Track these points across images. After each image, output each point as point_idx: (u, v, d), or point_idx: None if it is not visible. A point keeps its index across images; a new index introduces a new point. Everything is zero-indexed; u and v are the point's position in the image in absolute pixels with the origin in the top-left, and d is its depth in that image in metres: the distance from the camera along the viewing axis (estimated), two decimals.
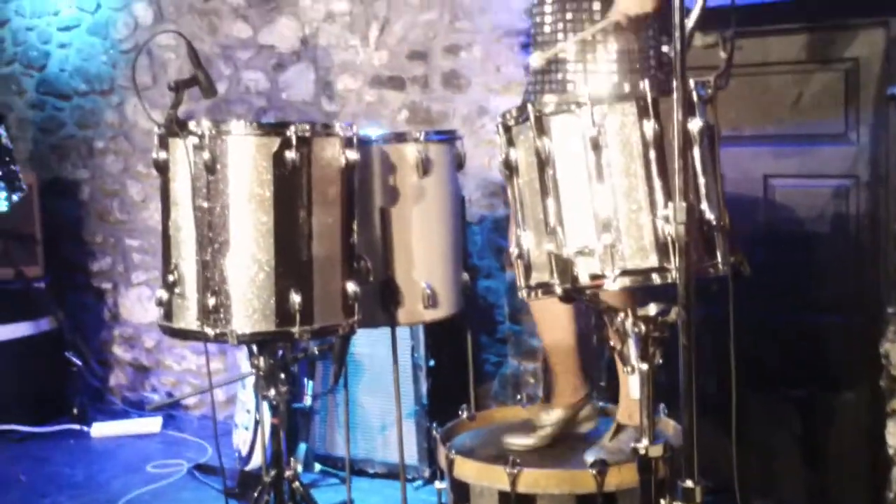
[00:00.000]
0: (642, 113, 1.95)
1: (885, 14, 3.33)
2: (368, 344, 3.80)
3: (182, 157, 2.44)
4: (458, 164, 2.97)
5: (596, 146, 1.96)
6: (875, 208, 3.44)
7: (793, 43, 3.56)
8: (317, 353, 2.83)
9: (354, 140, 2.55)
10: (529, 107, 2.03)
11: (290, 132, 2.42)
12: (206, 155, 2.40)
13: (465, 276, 2.96)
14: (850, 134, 3.49)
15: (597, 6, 2.59)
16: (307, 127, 2.45)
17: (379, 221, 2.80)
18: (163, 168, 2.50)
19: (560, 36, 2.64)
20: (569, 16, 2.62)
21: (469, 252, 4.07)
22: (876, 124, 3.42)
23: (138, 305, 5.29)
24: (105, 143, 5.28)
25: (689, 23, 1.97)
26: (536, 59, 2.63)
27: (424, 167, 2.82)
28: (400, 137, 2.88)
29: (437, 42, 4.21)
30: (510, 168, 2.13)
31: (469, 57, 4.17)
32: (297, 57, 4.62)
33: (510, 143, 2.13)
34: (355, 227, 2.58)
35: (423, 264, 2.83)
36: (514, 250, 2.25)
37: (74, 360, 4.89)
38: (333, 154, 2.50)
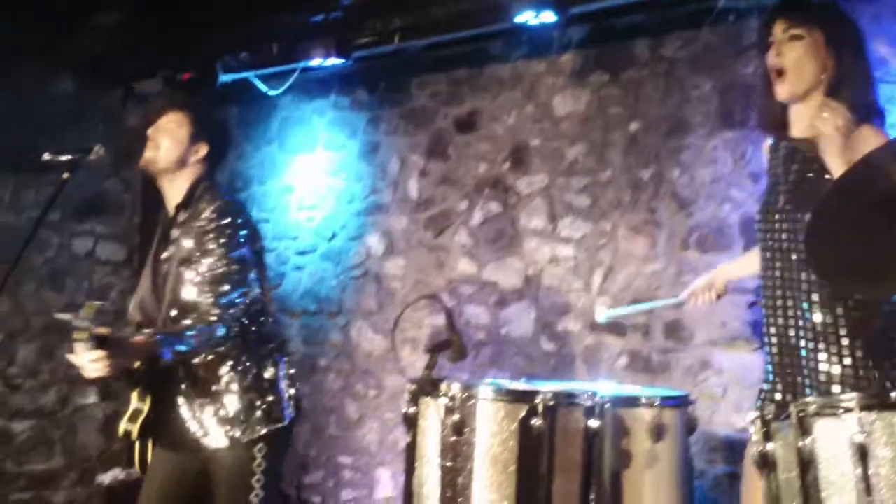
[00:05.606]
0: None
1: None
2: None
3: (433, 415, 2.57)
4: (691, 428, 2.94)
5: (863, 454, 1.93)
6: None
7: None
8: None
9: (597, 410, 2.59)
10: (792, 407, 2.03)
11: (538, 400, 2.50)
12: (455, 416, 2.51)
13: None
14: None
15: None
16: (551, 395, 2.53)
17: (610, 487, 2.79)
18: (412, 423, 2.62)
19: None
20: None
21: None
22: None
23: None
24: (328, 362, 5.55)
25: None
26: None
27: (658, 432, 2.82)
28: (634, 401, 2.89)
29: (660, 293, 4.25)
30: (767, 463, 2.11)
31: (693, 309, 4.17)
32: (519, 296, 4.77)
33: (767, 437, 2.12)
34: (593, 495, 2.59)
35: None
36: None
37: None
38: (576, 423, 2.56)
